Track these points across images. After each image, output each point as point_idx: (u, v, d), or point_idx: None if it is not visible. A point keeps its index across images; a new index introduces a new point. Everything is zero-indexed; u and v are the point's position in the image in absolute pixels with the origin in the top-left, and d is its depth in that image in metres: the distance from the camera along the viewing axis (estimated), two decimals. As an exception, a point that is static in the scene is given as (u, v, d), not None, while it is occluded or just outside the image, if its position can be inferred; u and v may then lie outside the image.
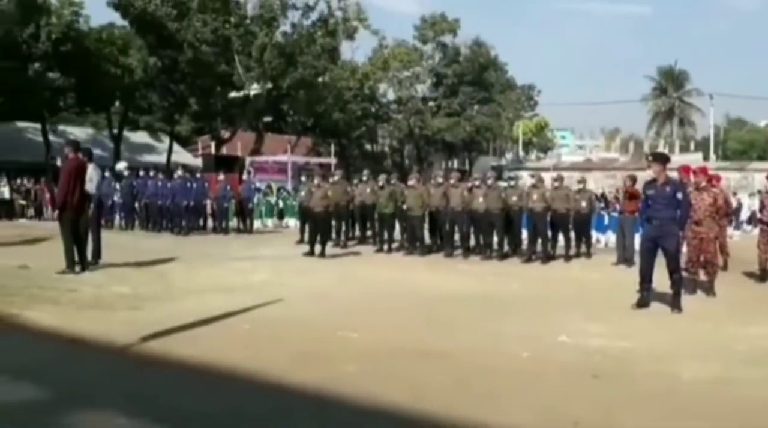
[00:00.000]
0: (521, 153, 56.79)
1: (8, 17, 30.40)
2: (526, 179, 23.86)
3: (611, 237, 15.74)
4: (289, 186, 27.97)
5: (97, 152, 13.11)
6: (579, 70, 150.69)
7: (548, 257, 13.59)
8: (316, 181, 14.93)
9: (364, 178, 17.01)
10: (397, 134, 49.39)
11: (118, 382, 5.04)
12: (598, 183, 29.91)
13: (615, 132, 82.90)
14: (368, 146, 51.23)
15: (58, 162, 11.20)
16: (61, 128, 37.16)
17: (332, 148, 41.86)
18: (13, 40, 30.55)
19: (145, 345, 5.98)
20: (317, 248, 13.54)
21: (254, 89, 37.13)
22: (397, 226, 15.71)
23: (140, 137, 42.68)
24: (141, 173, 21.62)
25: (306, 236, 15.02)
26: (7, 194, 26.45)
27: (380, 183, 15.80)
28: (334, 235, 15.74)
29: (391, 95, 47.75)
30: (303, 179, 19.13)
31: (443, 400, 4.64)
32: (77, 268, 10.06)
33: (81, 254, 10.33)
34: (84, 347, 6.03)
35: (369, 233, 16.60)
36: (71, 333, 6.39)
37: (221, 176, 20.63)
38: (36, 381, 4.89)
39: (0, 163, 29.29)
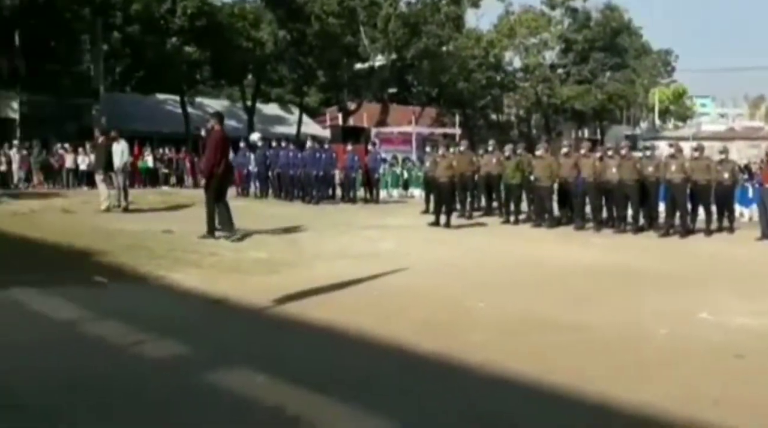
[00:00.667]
0: (657, 122, 54.05)
1: (147, -7, 32.15)
2: (662, 149, 22.70)
3: (755, 211, 14.75)
4: (414, 157, 28.08)
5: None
6: (720, 34, 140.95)
7: (687, 231, 12.93)
8: (440, 151, 14.87)
9: (490, 148, 16.83)
10: (524, 103, 48.28)
11: (257, 342, 5.31)
12: (741, 153, 28.06)
13: (759, 100, 77.31)
14: (493, 116, 50.42)
15: (202, 133, 11.74)
16: (198, 100, 39.02)
17: (457, 118, 41.56)
18: (152, 16, 32.29)
19: (281, 307, 6.24)
20: (442, 218, 13.56)
21: (379, 60, 37.42)
22: (524, 197, 15.45)
23: (271, 108, 44.10)
24: (273, 143, 22.42)
25: (431, 207, 15.07)
26: (150, 163, 28.22)
27: (506, 153, 15.56)
28: (459, 206, 15.71)
29: (517, 63, 46.64)
30: (428, 149, 19.15)
31: (574, 373, 4.54)
32: (217, 234, 10.57)
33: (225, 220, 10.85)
34: (225, 308, 6.37)
35: (495, 204, 16.43)
36: (213, 294, 6.77)
37: (349, 147, 21.02)
38: (182, 339, 5.21)
39: (144, 133, 31.13)
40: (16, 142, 26.65)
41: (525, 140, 39.08)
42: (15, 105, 30.56)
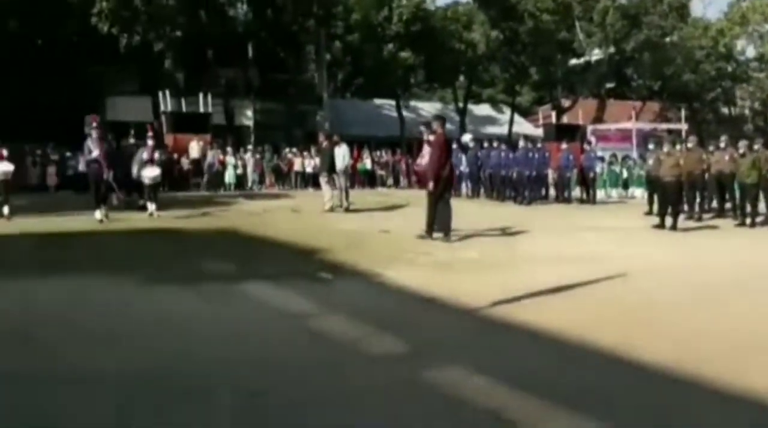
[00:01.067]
0: None
1: (365, 2, 33.69)
2: None
3: None
4: (635, 154, 26.64)
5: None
6: None
7: None
8: (665, 148, 13.95)
9: (722, 144, 15.51)
10: (759, 94, 43.90)
11: (471, 342, 5.30)
12: None
13: None
14: (725, 109, 46.41)
15: (425, 136, 12.00)
16: (412, 103, 40.18)
17: (682, 112, 38.76)
18: (370, 24, 33.80)
19: (494, 308, 6.19)
20: (668, 220, 12.70)
21: (596, 55, 36.03)
22: (762, 198, 14.03)
23: (483, 109, 44.19)
24: (485, 144, 22.44)
25: (655, 208, 14.19)
26: (369, 165, 29.51)
27: (741, 150, 14.21)
28: (686, 207, 14.64)
29: (750, 52, 42.59)
30: (650, 146, 18.06)
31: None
32: (434, 235, 10.74)
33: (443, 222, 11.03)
34: (438, 306, 6.45)
35: (728, 205, 15.10)
36: (427, 293, 6.89)
37: (563, 146, 20.44)
38: (398, 335, 5.34)
39: (362, 137, 32.61)
40: (250, 147, 29.25)
41: (762, 135, 35.47)
42: (249, 113, 33.51)
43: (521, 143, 20.60)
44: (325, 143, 16.89)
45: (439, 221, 10.71)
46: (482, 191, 21.40)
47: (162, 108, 27.69)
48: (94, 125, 13.94)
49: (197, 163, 26.08)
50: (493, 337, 5.46)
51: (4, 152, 14.20)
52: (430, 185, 10.65)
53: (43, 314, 6.09)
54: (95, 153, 13.17)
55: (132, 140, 16.20)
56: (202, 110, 27.88)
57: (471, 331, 5.65)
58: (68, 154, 25.15)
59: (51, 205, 16.72)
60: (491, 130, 38.57)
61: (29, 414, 3.80)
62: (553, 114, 38.52)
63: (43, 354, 4.89)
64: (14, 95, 28.40)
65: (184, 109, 28.15)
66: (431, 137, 11.93)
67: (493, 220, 13.41)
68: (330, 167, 15.99)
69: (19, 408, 3.87)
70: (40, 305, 6.42)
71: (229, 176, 26.58)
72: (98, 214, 13.15)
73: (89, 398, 4.03)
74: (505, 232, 11.87)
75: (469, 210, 15.66)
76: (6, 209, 13.78)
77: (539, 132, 34.02)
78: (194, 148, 26.37)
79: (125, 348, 4.98)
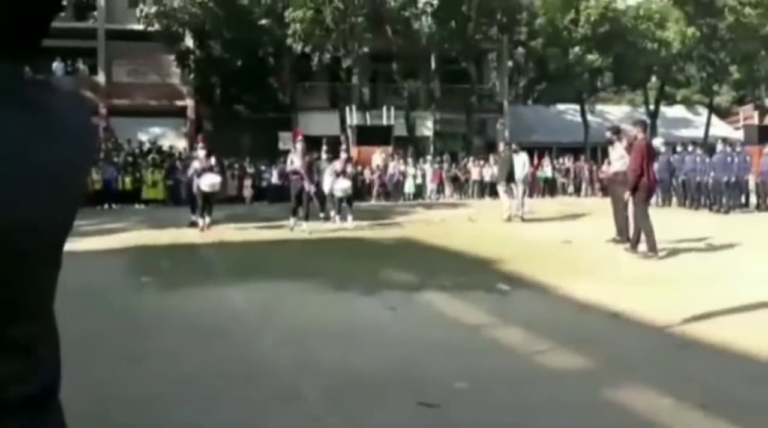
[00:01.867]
0: None
1: (551, 6, 33.01)
2: None
3: None
4: None
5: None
6: None
7: None
8: None
9: None
10: None
11: (661, 361, 4.99)
12: None
13: None
14: None
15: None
16: (598, 107, 38.76)
17: None
18: (555, 27, 33.07)
19: (687, 326, 5.78)
20: None
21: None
22: None
23: (676, 111, 41.68)
24: (678, 148, 21.16)
25: None
26: (549, 173, 28.86)
27: None
28: None
29: None
30: None
31: None
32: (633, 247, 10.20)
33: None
34: (624, 322, 6.13)
35: None
36: (612, 307, 6.58)
37: (766, 149, 18.71)
38: (582, 351, 5.15)
39: (543, 144, 31.99)
40: (429, 157, 29.68)
41: None
42: (429, 124, 34.02)
43: (719, 147, 19.15)
44: (504, 152, 16.75)
45: (635, 232, 10.21)
46: (674, 198, 20.19)
47: (348, 122, 28.91)
48: (300, 138, 14.64)
49: (379, 174, 26.94)
50: (683, 356, 5.10)
51: (213, 163, 14.56)
52: (627, 194, 10.14)
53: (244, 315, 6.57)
54: (297, 164, 13.82)
55: (325, 155, 16.77)
56: (384, 122, 28.75)
57: (660, 349, 5.32)
58: (263, 167, 26.98)
59: (247, 216, 17.93)
60: (685, 133, 36.22)
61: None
62: (756, 115, 35.53)
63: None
64: (216, 113, 31.10)
65: (368, 122, 29.20)
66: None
67: (686, 230, 12.55)
68: (509, 175, 15.82)
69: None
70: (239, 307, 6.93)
71: (408, 186, 27.15)
72: (293, 223, 13.87)
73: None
74: (701, 243, 11.07)
75: (660, 219, 14.72)
76: (205, 220, 14.12)
77: (739, 134, 31.53)
78: (377, 159, 27.28)
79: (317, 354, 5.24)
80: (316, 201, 15.11)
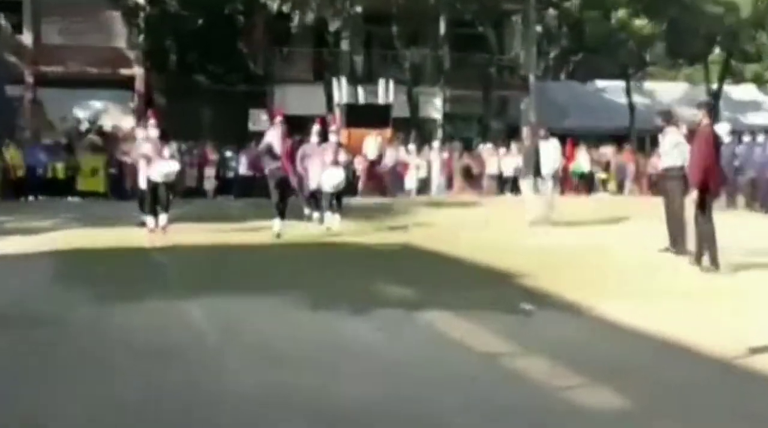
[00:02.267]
0: None
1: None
2: None
3: None
4: None
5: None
6: None
7: None
8: None
9: None
10: None
11: (719, 398, 5.02)
12: None
13: None
14: None
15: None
16: (646, 85, 38.80)
17: None
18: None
19: (753, 356, 5.83)
20: None
21: None
22: None
23: (745, 91, 41.72)
24: (745, 138, 21.27)
25: None
26: (586, 166, 28.87)
27: None
28: None
29: None
30: None
31: None
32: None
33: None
34: (673, 351, 6.17)
35: None
36: (658, 333, 6.60)
37: None
38: (621, 385, 5.16)
39: (578, 130, 31.75)
40: (436, 143, 29.51)
41: None
42: (437, 102, 34.00)
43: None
44: (529, 139, 16.77)
45: (696, 240, 10.25)
46: (740, 198, 20.29)
47: (336, 98, 28.86)
48: (280, 118, 14.47)
49: (372, 163, 26.80)
50: (747, 391, 5.15)
51: (166, 152, 14.15)
52: (694, 193, 10.06)
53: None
54: (277, 150, 13.72)
55: (315, 138, 15.87)
56: (381, 100, 28.72)
57: (718, 383, 5.35)
58: (229, 153, 26.92)
59: (209, 214, 17.79)
60: (755, 119, 36.31)
61: None
62: None
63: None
64: (171, 85, 31.01)
65: (361, 99, 29.15)
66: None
67: (752, 237, 12.61)
68: (535, 168, 15.84)
69: None
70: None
71: (409, 180, 27.13)
72: (278, 227, 13.55)
73: None
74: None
75: (724, 224, 14.81)
76: (162, 219, 13.68)
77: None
78: (370, 145, 27.11)
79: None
80: (302, 197, 15.03)
